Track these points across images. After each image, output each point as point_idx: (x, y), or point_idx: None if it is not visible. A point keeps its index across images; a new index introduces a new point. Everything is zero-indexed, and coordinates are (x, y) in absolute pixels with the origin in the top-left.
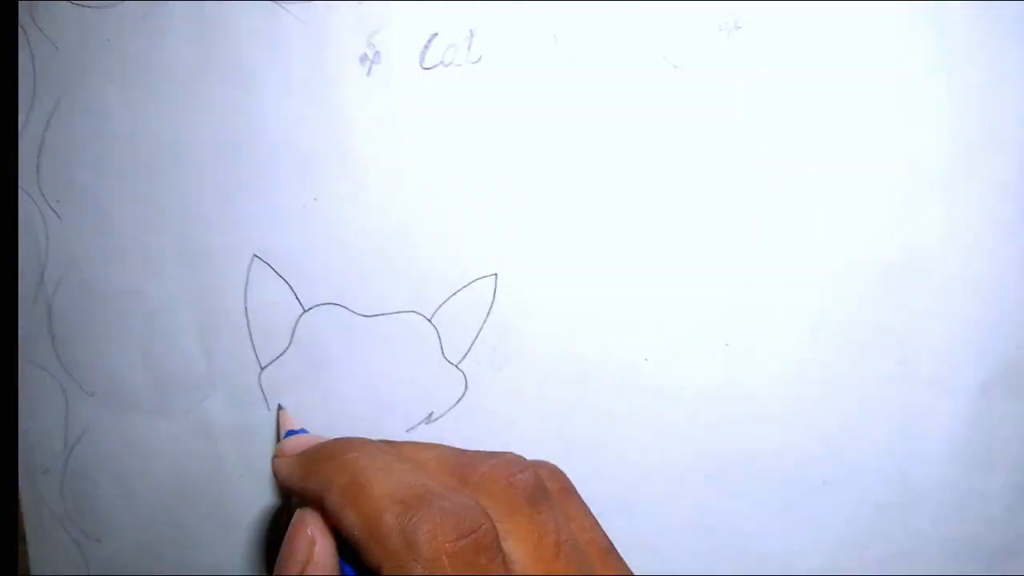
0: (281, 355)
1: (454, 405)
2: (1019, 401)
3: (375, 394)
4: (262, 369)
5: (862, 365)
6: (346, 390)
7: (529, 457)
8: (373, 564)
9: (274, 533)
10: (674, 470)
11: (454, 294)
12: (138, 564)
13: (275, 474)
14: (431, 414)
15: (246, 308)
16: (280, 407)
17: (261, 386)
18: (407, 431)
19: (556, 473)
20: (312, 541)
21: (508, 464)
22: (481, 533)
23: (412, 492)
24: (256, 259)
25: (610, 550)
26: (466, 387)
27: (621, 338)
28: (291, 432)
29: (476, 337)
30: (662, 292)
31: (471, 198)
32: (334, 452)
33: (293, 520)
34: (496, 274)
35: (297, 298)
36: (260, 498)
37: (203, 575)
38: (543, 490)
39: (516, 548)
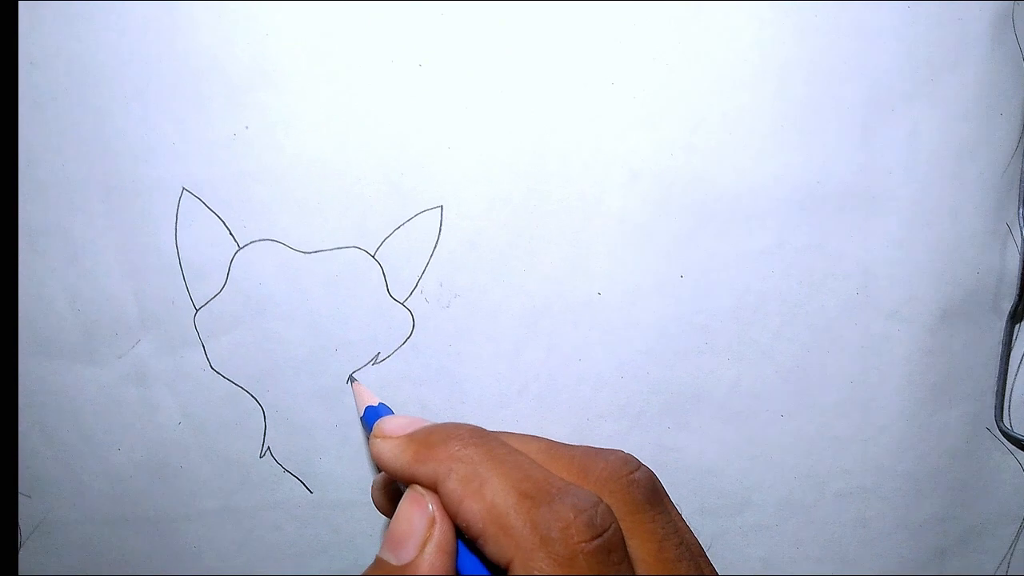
0: (216, 295)
1: (401, 345)
2: (980, 330)
3: (318, 335)
4: (196, 310)
5: (820, 294)
6: (287, 331)
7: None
8: (500, 557)
9: (219, 481)
10: (629, 407)
11: (398, 228)
12: (71, 518)
13: (377, 456)
14: (378, 355)
15: (177, 246)
16: (353, 379)
17: (196, 328)
18: (354, 373)
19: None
20: (433, 520)
21: (624, 462)
22: (611, 532)
23: (538, 486)
24: (186, 192)
25: (703, 552)
26: (413, 326)
27: (573, 272)
28: (371, 409)
29: (422, 273)
30: (614, 224)
31: (414, 124)
32: (448, 438)
33: (408, 497)
34: (441, 206)
35: (231, 234)
36: (199, 444)
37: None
38: (659, 490)
39: (639, 548)
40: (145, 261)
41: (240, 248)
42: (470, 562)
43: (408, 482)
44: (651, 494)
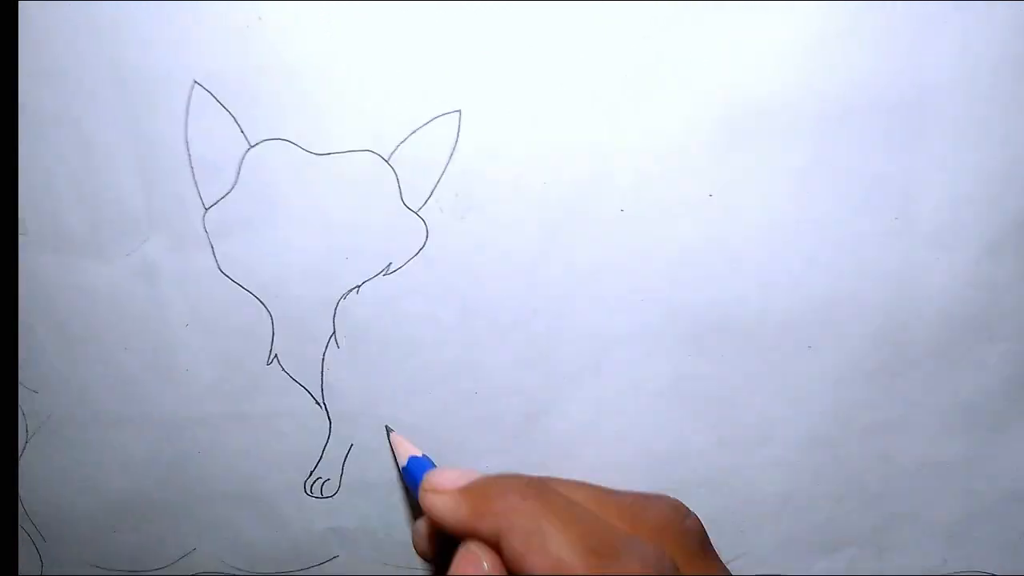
0: (226, 195)
1: (414, 256)
2: None
3: (328, 241)
4: (206, 210)
5: (856, 219)
6: (297, 236)
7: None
8: None
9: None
10: (648, 331)
11: (414, 132)
12: (78, 415)
13: (431, 511)
14: (389, 265)
15: (187, 141)
16: (389, 429)
17: (206, 228)
18: (364, 281)
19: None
20: None
21: (675, 509)
22: None
23: (602, 540)
24: (197, 86)
25: None
26: (427, 236)
27: (596, 186)
28: (415, 459)
29: (438, 182)
30: (642, 136)
31: (433, 22)
32: (505, 491)
33: (462, 555)
34: (460, 111)
35: (242, 131)
36: (206, 348)
37: None
38: (708, 538)
39: None
40: (155, 155)
41: (251, 146)
42: None
43: (466, 537)
44: (704, 542)
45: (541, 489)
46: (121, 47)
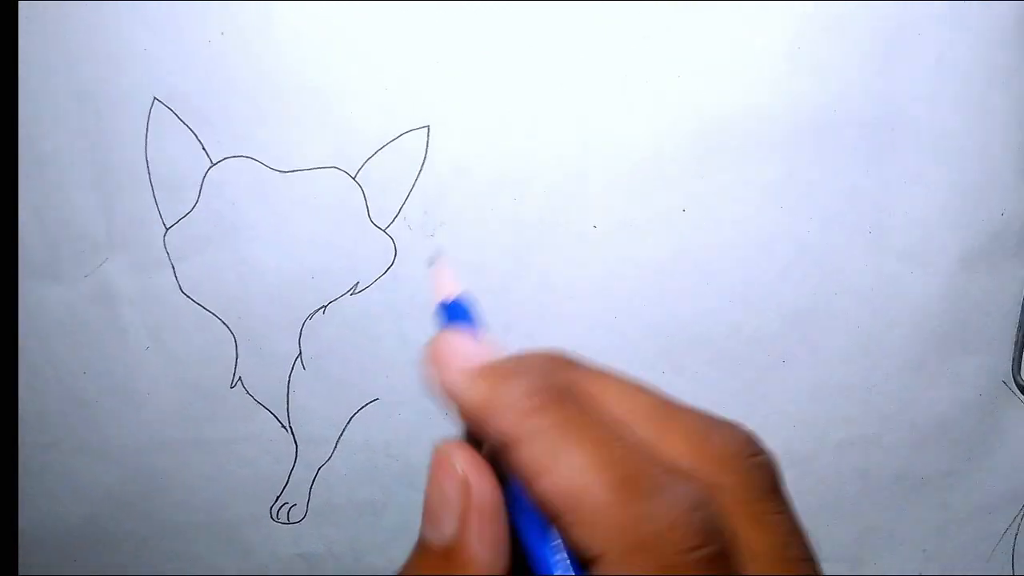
0: (188, 214)
1: (382, 274)
2: (1003, 276)
3: (293, 260)
4: (167, 229)
5: (830, 232)
6: (261, 255)
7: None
8: (582, 546)
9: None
10: (622, 347)
11: (381, 148)
12: (36, 442)
13: (447, 388)
14: (356, 284)
15: (147, 159)
16: (435, 257)
17: (167, 248)
18: (331, 301)
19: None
20: (465, 482)
21: (747, 441)
22: (721, 537)
23: (638, 472)
24: (157, 102)
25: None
26: (395, 254)
27: (567, 202)
28: (445, 305)
29: (406, 199)
30: (613, 151)
31: (400, 35)
32: (530, 390)
33: (434, 459)
34: (428, 126)
35: (204, 149)
36: (168, 371)
37: None
38: (780, 479)
39: (758, 542)
40: (113, 174)
41: (213, 164)
42: (530, 526)
43: (471, 427)
44: (774, 484)
45: (574, 395)
46: (78, 64)
